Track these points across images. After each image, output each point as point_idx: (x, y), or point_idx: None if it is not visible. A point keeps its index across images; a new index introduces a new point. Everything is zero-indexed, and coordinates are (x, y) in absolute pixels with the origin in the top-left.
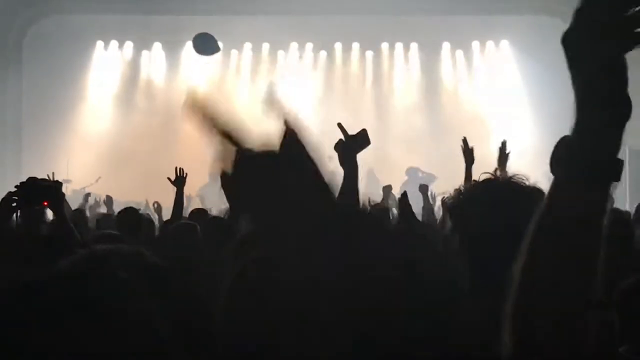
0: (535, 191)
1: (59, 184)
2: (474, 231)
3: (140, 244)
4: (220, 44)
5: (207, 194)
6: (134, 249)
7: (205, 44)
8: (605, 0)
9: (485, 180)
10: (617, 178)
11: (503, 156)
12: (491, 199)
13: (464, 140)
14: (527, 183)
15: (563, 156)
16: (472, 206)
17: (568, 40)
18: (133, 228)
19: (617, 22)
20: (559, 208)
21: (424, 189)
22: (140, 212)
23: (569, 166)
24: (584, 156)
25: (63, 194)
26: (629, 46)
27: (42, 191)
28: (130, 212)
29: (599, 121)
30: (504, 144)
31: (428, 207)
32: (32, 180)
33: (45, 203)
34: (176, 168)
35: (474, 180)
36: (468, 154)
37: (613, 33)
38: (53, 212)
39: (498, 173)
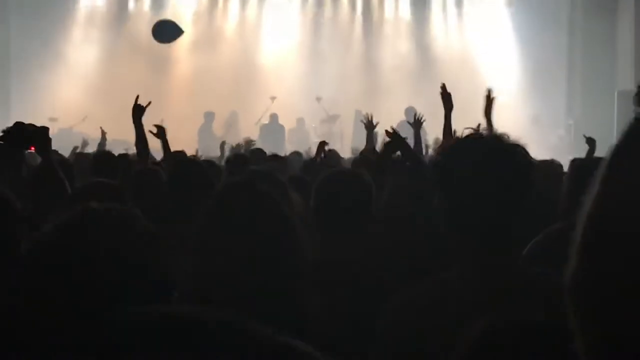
0: (519, 148)
1: (45, 129)
2: (459, 191)
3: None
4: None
5: (202, 136)
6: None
7: (167, 31)
8: None
9: (469, 138)
10: None
11: (489, 104)
12: (476, 158)
13: (443, 86)
14: (509, 139)
15: None
16: (456, 166)
17: None
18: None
19: None
20: None
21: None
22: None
23: None
24: None
25: (50, 139)
26: None
27: (28, 135)
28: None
29: None
30: (489, 91)
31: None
32: (18, 124)
33: (32, 147)
34: (155, 125)
35: (457, 137)
36: (447, 100)
37: None
38: (40, 156)
39: (481, 126)
